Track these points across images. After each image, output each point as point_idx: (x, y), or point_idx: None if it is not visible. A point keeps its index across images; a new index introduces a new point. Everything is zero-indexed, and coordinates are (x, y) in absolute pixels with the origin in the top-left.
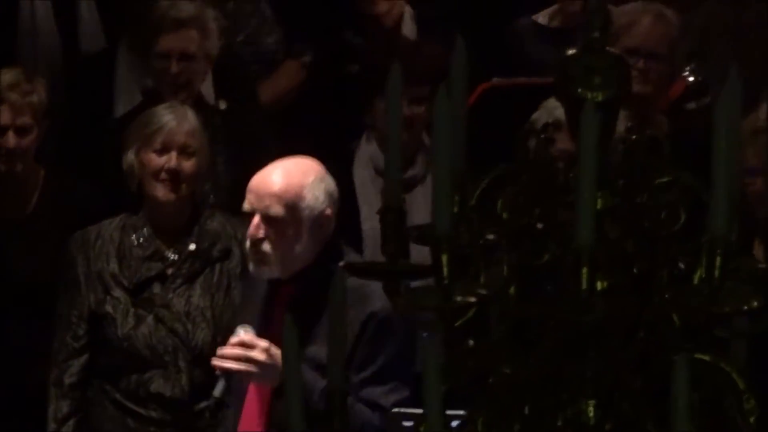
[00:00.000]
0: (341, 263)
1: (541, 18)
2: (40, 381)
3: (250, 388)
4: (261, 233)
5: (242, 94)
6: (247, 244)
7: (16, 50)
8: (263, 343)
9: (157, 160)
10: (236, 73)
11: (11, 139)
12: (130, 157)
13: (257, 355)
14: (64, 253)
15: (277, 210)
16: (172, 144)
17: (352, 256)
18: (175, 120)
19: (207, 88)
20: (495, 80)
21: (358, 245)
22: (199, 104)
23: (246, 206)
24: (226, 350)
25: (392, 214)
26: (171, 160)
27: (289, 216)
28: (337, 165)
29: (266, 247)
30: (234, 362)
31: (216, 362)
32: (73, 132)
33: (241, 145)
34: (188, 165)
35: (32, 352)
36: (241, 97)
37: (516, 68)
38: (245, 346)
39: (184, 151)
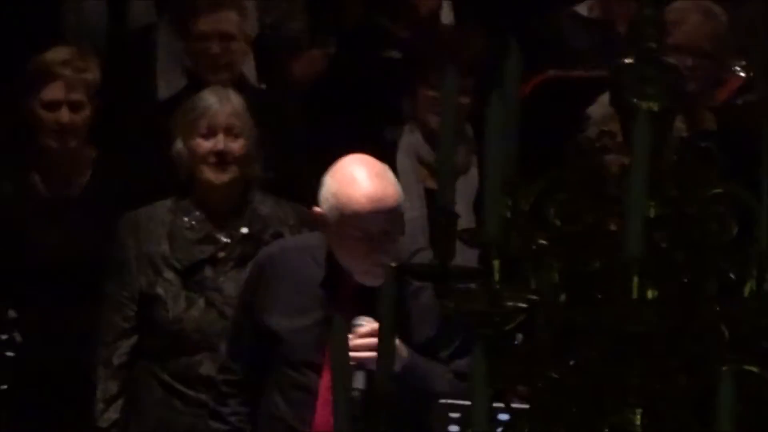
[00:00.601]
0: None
1: (581, 8)
2: (85, 361)
3: (323, 383)
4: (384, 236)
5: (275, 76)
6: (368, 263)
7: (62, 29)
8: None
9: (204, 144)
10: (267, 56)
11: (64, 114)
12: (178, 145)
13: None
14: (115, 235)
15: (400, 210)
16: (217, 126)
17: None
18: (218, 102)
19: (249, 69)
20: (551, 72)
21: None
22: (241, 85)
23: (365, 226)
24: (359, 341)
25: (444, 216)
26: (218, 142)
27: (401, 224)
28: (376, 153)
29: (385, 259)
30: (369, 352)
31: (356, 356)
32: (117, 112)
33: (276, 126)
34: (235, 146)
35: (82, 333)
36: (274, 80)
37: (554, 59)
38: (375, 335)
39: (230, 132)
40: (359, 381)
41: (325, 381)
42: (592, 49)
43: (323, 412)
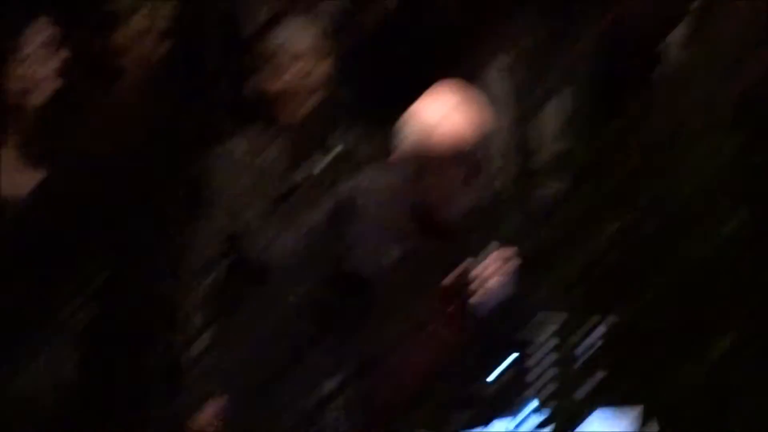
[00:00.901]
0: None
1: None
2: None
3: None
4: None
5: None
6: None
7: None
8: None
9: (286, 73)
10: None
11: (136, 59)
12: (259, 75)
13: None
14: (200, 169)
15: (475, 150)
16: (298, 54)
17: None
18: (297, 31)
19: None
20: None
21: None
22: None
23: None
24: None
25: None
26: (300, 69)
27: (479, 148)
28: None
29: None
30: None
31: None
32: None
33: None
34: (317, 72)
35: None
36: None
37: None
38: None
39: (310, 59)
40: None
41: None
42: None
43: None
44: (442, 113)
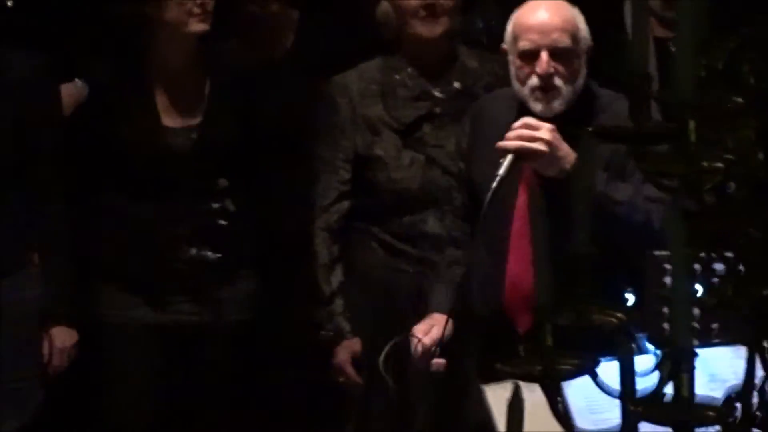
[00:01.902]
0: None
1: None
2: (300, 228)
3: (514, 230)
4: (552, 69)
5: None
6: (534, 81)
7: None
8: (548, 125)
9: (412, 1)
10: None
11: None
12: (384, 5)
13: (544, 134)
14: (325, 98)
15: (566, 41)
16: None
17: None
18: None
19: None
20: None
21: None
22: None
23: (527, 45)
24: (511, 133)
25: (638, 78)
26: None
27: (575, 47)
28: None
29: (558, 82)
30: (519, 141)
31: (500, 144)
32: None
33: None
34: None
35: (284, 197)
36: None
37: None
38: (530, 127)
39: None
40: (503, 167)
41: (514, 228)
42: None
43: (515, 260)
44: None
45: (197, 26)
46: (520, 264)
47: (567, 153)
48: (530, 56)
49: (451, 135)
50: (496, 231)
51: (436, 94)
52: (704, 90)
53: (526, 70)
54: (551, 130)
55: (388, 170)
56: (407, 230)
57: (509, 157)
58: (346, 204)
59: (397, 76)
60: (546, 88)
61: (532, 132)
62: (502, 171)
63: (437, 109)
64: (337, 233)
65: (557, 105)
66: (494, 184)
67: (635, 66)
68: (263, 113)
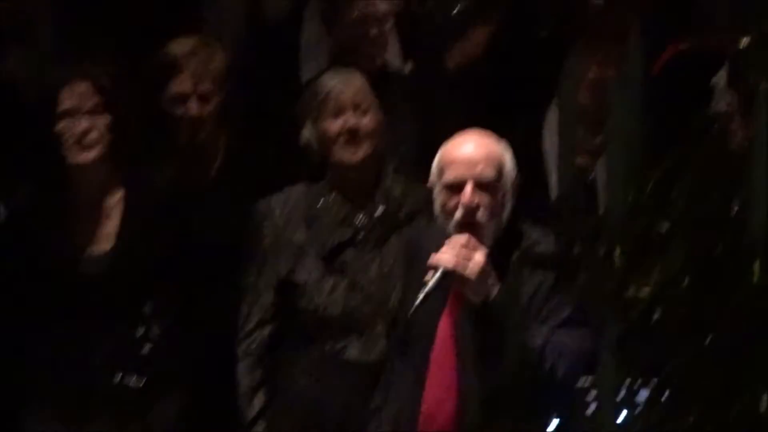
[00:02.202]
0: (516, 254)
1: None
2: (228, 350)
3: (433, 355)
4: (476, 201)
5: (429, 57)
6: (458, 215)
7: (201, 14)
8: (484, 249)
9: (333, 125)
10: (425, 36)
11: (193, 106)
12: (307, 132)
13: (480, 257)
14: (250, 223)
15: (491, 174)
16: (344, 105)
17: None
18: (342, 82)
19: (392, 51)
20: (682, 43)
21: (542, 214)
22: (386, 68)
23: (452, 177)
24: (448, 248)
25: (566, 205)
26: (347, 120)
27: (500, 180)
28: (525, 132)
29: (481, 215)
30: (453, 259)
31: (434, 259)
32: (259, 96)
33: (425, 110)
34: (365, 122)
35: (218, 320)
36: (427, 61)
37: (704, 30)
38: (469, 247)
39: (357, 109)
40: (432, 281)
41: (434, 356)
42: (728, 17)
43: (434, 388)
44: (457, 141)
45: (79, 158)
46: (438, 390)
47: (495, 282)
48: (456, 188)
49: (374, 261)
50: (416, 357)
51: (359, 220)
52: (632, 216)
53: (452, 202)
54: (486, 255)
55: (311, 296)
56: (331, 356)
57: (438, 272)
58: (268, 329)
59: (321, 202)
60: (469, 225)
61: (469, 252)
62: (430, 285)
63: (360, 236)
64: (259, 358)
65: (481, 240)
66: (420, 297)
67: (562, 192)
68: (187, 238)
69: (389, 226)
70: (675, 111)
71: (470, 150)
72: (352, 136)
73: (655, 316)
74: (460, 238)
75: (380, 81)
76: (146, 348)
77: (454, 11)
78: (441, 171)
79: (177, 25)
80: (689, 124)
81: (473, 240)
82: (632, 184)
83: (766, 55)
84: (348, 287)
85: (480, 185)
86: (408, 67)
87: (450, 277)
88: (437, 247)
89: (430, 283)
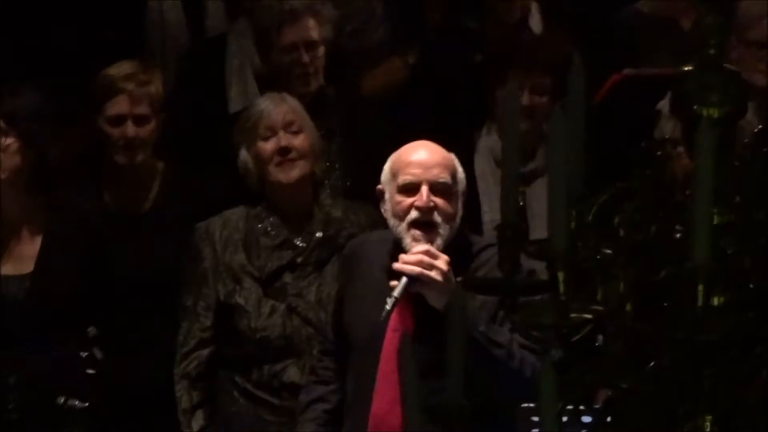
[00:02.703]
0: (458, 279)
1: (644, 5)
2: (165, 374)
3: (381, 367)
4: (432, 202)
5: (345, 84)
6: (413, 215)
7: (144, 42)
8: (445, 257)
9: (266, 146)
10: (340, 64)
11: (130, 128)
12: (243, 155)
13: (442, 264)
14: (189, 245)
15: (446, 177)
16: (275, 125)
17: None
18: (272, 103)
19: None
20: (626, 71)
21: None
22: (322, 93)
23: (408, 179)
24: (410, 257)
25: (509, 230)
26: (279, 140)
27: (454, 185)
28: (457, 156)
29: (437, 217)
30: (417, 267)
31: (398, 266)
32: (190, 123)
33: (355, 132)
34: (297, 141)
35: (153, 348)
36: (344, 88)
37: (628, 58)
38: (431, 255)
39: (288, 129)
40: (398, 290)
41: (382, 366)
42: (657, 47)
43: (381, 399)
44: (410, 146)
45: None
46: (385, 403)
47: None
48: (411, 190)
49: (313, 285)
50: (363, 369)
51: (298, 243)
52: (575, 241)
53: (406, 203)
54: (448, 262)
55: (249, 319)
56: (268, 379)
57: (404, 280)
58: (206, 351)
59: (259, 225)
60: (425, 223)
61: (431, 260)
62: (396, 293)
63: (299, 259)
64: (197, 380)
65: (436, 245)
66: (388, 307)
67: (506, 217)
68: (115, 262)
69: (329, 250)
70: (619, 138)
71: (425, 154)
72: (285, 155)
73: (598, 342)
74: (422, 247)
75: (314, 106)
76: (89, 371)
77: (369, 41)
78: (394, 174)
79: (119, 51)
80: (633, 151)
81: (433, 248)
82: (574, 211)
83: (708, 82)
84: (287, 310)
85: (435, 188)
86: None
87: (414, 284)
88: (378, 256)
89: (397, 292)
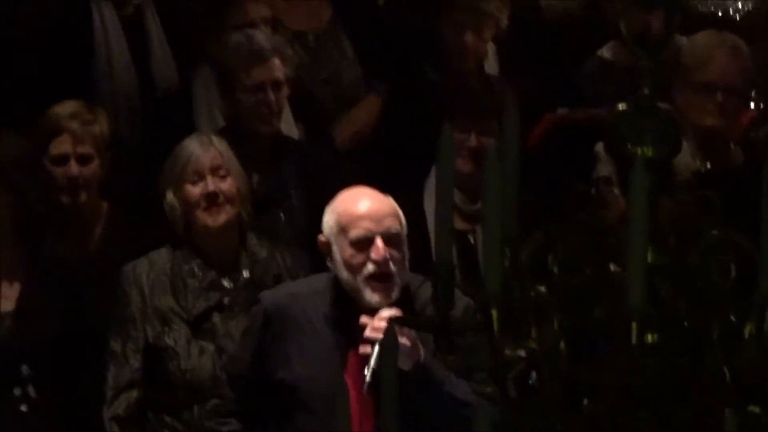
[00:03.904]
0: (390, 317)
1: (606, 53)
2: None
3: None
4: (387, 254)
5: (317, 129)
6: (370, 269)
7: (94, 86)
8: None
9: (193, 190)
10: (313, 111)
11: (73, 167)
12: (169, 198)
13: (408, 332)
14: (116, 288)
15: (397, 227)
16: (203, 169)
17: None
18: (200, 147)
19: (286, 117)
20: (560, 111)
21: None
22: (277, 134)
23: (360, 233)
24: (379, 323)
25: (443, 270)
26: (207, 185)
27: (402, 232)
28: (410, 199)
29: (392, 267)
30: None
31: (370, 333)
32: (149, 168)
33: (316, 177)
34: (225, 185)
35: (89, 389)
36: (315, 132)
37: (580, 100)
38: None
39: (216, 174)
40: (374, 361)
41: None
42: (617, 94)
43: None
44: (354, 195)
45: None
46: None
47: (417, 350)
48: (364, 244)
49: (241, 325)
50: (318, 429)
51: (226, 284)
52: (510, 281)
53: (360, 258)
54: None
55: (178, 360)
56: (199, 420)
57: (377, 348)
58: (135, 393)
59: (186, 267)
60: (382, 276)
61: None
62: (373, 363)
63: (227, 300)
64: (126, 421)
65: (394, 295)
66: (368, 376)
67: (439, 257)
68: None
69: (256, 290)
70: (555, 179)
71: (372, 204)
72: (212, 200)
73: (531, 381)
74: (387, 312)
75: (276, 145)
76: (22, 408)
77: (343, 85)
78: (343, 228)
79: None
80: (568, 192)
81: (400, 313)
82: (509, 250)
83: (641, 122)
84: (215, 352)
85: (388, 239)
86: (299, 131)
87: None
88: (316, 309)
89: (374, 361)
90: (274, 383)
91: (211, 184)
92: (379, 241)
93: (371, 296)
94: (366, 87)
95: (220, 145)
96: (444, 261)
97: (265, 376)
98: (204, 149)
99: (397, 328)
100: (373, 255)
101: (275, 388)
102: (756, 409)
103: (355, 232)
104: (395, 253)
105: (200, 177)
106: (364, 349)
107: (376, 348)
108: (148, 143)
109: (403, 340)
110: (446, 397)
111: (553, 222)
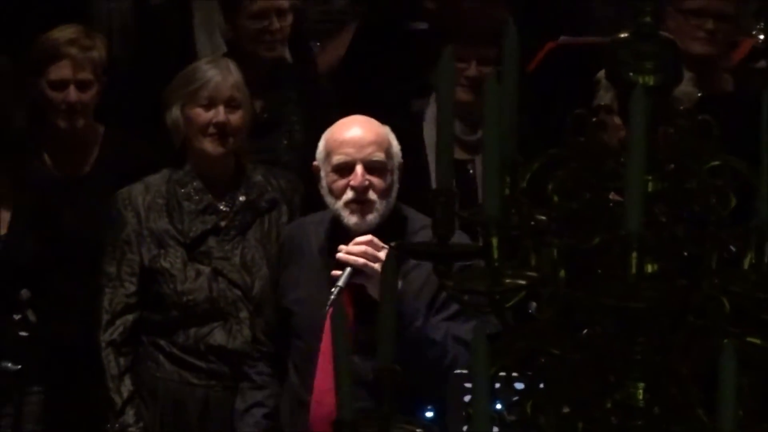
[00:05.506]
0: (392, 244)
1: None
2: (96, 340)
3: (322, 348)
4: (366, 181)
5: (302, 52)
6: (349, 195)
7: (89, 8)
8: (387, 247)
9: (204, 115)
10: (301, 32)
11: (72, 93)
12: (174, 113)
13: (383, 256)
14: (111, 212)
15: (380, 155)
16: (218, 98)
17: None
18: (220, 74)
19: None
20: (562, 39)
21: (424, 205)
22: (279, 60)
23: (341, 159)
24: (353, 247)
25: (443, 196)
26: (218, 114)
27: (388, 162)
28: (404, 124)
29: (372, 195)
30: (361, 258)
31: (342, 256)
32: (142, 88)
33: (310, 103)
34: (235, 118)
35: (88, 311)
36: (302, 56)
37: (582, 28)
38: (375, 247)
39: (229, 105)
40: (343, 279)
41: (323, 346)
42: (618, 18)
43: (322, 378)
44: (344, 123)
45: None
46: (326, 383)
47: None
48: (345, 170)
49: (237, 248)
50: (305, 353)
51: (222, 207)
52: (508, 208)
53: (341, 183)
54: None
55: (175, 283)
56: (195, 343)
57: (348, 270)
58: (131, 317)
59: (182, 190)
60: (361, 201)
61: (375, 252)
62: (341, 282)
63: (223, 223)
64: (123, 345)
65: (372, 219)
66: (333, 296)
67: (440, 183)
68: (66, 227)
69: (251, 214)
70: (554, 106)
71: (358, 132)
72: (220, 131)
73: (530, 309)
74: (365, 238)
75: (274, 72)
76: (22, 334)
77: (332, 7)
78: (328, 154)
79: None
80: (567, 118)
81: (376, 239)
82: (508, 177)
83: (642, 50)
84: (211, 274)
85: (369, 167)
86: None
87: (357, 275)
88: (316, 237)
89: (342, 281)
90: (282, 312)
91: (222, 114)
92: (359, 168)
93: (348, 218)
94: (354, 13)
95: (237, 75)
96: (443, 186)
97: (278, 305)
98: (224, 77)
99: (374, 251)
100: (352, 182)
101: (284, 318)
102: (755, 340)
103: (336, 158)
104: (376, 181)
105: (213, 104)
106: (335, 272)
107: (347, 270)
108: (145, 66)
109: (379, 266)
110: (415, 336)
111: (553, 148)
